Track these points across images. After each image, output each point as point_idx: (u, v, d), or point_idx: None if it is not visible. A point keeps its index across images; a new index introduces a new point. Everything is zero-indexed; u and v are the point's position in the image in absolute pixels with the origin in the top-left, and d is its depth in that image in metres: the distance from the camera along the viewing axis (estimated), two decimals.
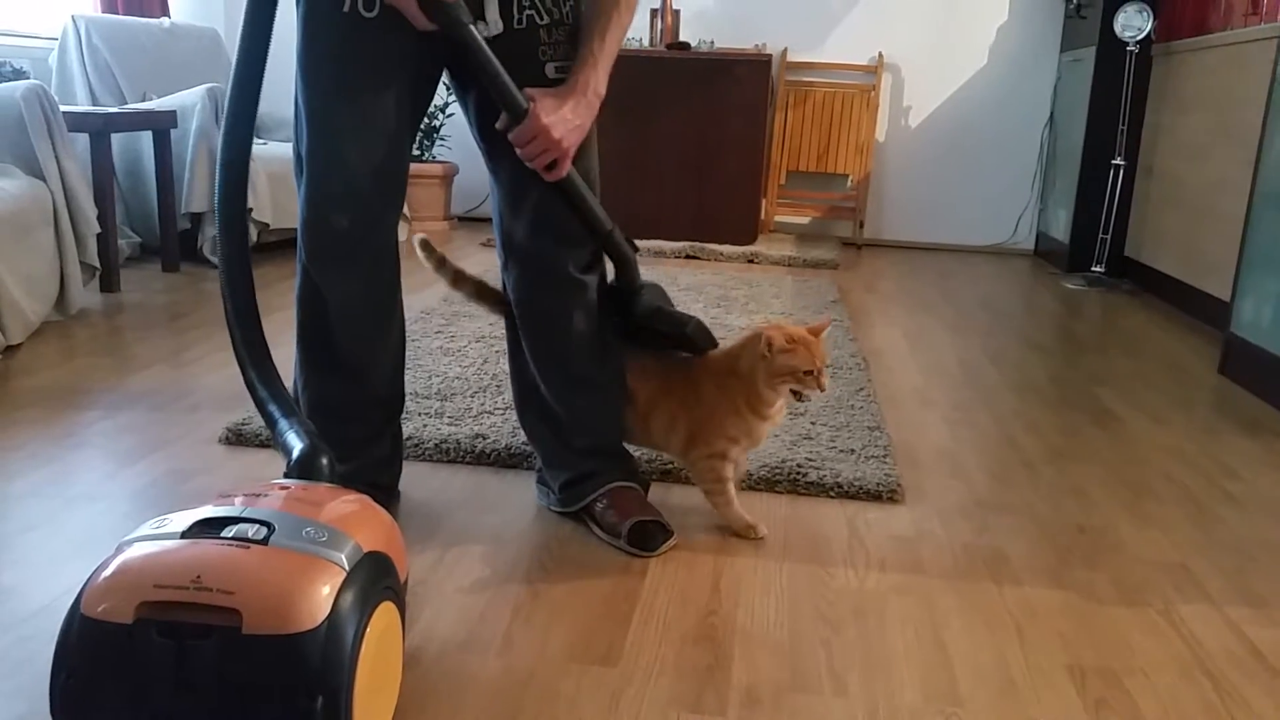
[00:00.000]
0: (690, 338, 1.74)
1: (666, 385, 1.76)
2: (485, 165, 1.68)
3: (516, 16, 1.55)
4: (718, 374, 1.72)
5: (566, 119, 1.49)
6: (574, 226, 1.64)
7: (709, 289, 3.87)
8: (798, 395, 1.67)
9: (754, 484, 1.94)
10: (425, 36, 1.44)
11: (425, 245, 1.81)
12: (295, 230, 1.61)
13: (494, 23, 1.53)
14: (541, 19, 1.56)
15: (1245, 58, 3.68)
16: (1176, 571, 1.71)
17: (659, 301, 1.77)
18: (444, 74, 1.65)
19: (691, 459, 1.75)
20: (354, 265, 1.58)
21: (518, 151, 1.51)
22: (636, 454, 1.86)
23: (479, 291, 1.86)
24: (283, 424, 1.35)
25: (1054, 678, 1.37)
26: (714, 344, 1.77)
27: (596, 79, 1.54)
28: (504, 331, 1.83)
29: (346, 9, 1.47)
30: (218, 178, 1.39)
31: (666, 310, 1.76)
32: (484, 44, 1.44)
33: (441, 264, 1.83)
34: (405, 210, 4.86)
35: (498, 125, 1.52)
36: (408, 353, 1.80)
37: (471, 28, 1.43)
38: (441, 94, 1.54)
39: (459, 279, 1.85)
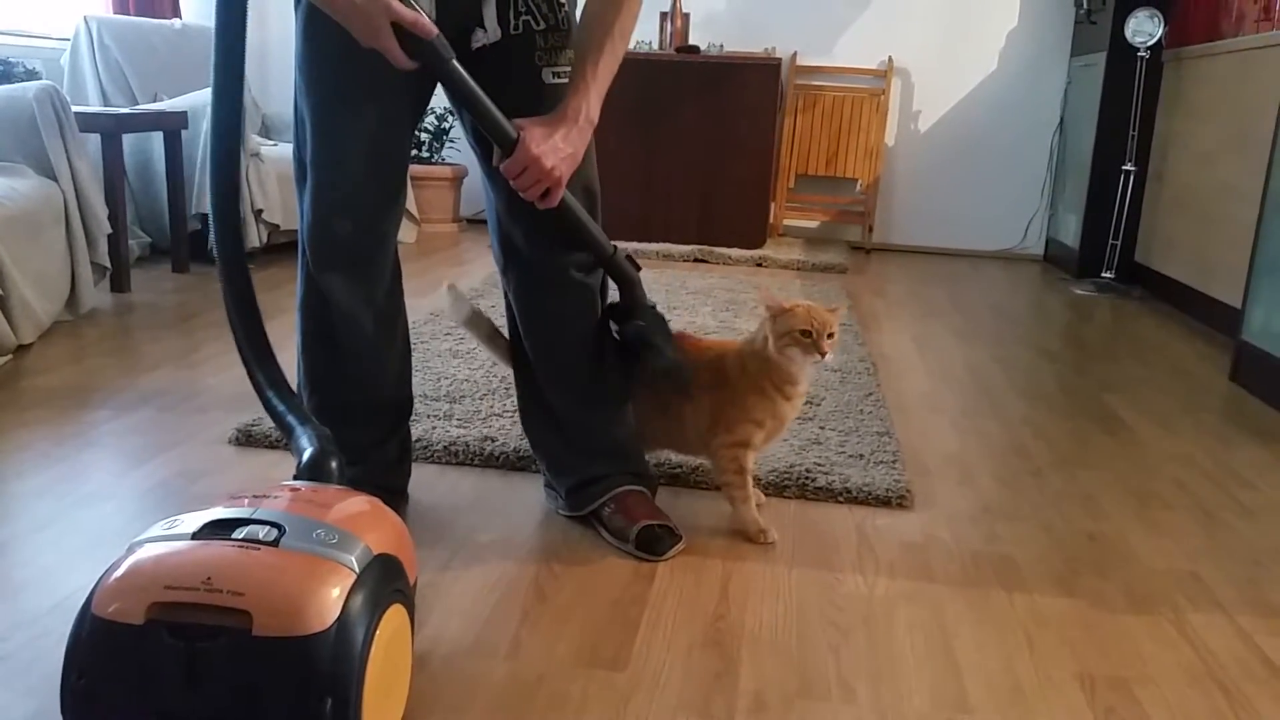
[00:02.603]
0: (665, 374, 1.69)
1: (693, 371, 1.76)
2: (481, 171, 1.68)
3: (513, 23, 1.55)
4: (742, 355, 1.75)
5: (558, 148, 1.47)
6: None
7: (717, 293, 3.86)
8: (806, 349, 1.65)
9: (763, 488, 1.94)
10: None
11: (453, 289, 1.83)
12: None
13: (491, 30, 1.53)
14: (538, 24, 1.56)
15: (1257, 64, 3.67)
16: (1187, 580, 1.70)
17: (655, 330, 1.71)
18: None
19: (714, 447, 1.75)
20: (358, 270, 1.58)
21: (511, 183, 1.48)
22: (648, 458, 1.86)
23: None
24: (293, 425, 1.35)
25: (1063, 686, 1.36)
26: (685, 390, 1.73)
27: (589, 106, 1.51)
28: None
29: None
30: (210, 180, 1.38)
31: (654, 342, 1.69)
32: (468, 78, 1.41)
33: (474, 318, 1.83)
34: (414, 211, 4.88)
35: (494, 162, 1.51)
36: (416, 355, 1.80)
37: (454, 63, 1.39)
38: None
39: (494, 336, 1.88)
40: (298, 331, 1.65)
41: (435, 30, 1.36)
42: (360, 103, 1.50)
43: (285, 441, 1.37)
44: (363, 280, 1.59)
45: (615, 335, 1.73)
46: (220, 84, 1.33)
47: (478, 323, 1.87)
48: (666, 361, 1.67)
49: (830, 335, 1.66)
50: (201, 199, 3.85)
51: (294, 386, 1.66)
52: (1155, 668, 1.42)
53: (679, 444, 1.87)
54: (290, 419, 1.36)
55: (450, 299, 1.84)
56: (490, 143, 1.64)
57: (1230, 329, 3.25)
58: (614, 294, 1.73)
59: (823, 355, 1.64)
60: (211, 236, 1.40)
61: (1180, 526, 1.93)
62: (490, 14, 1.52)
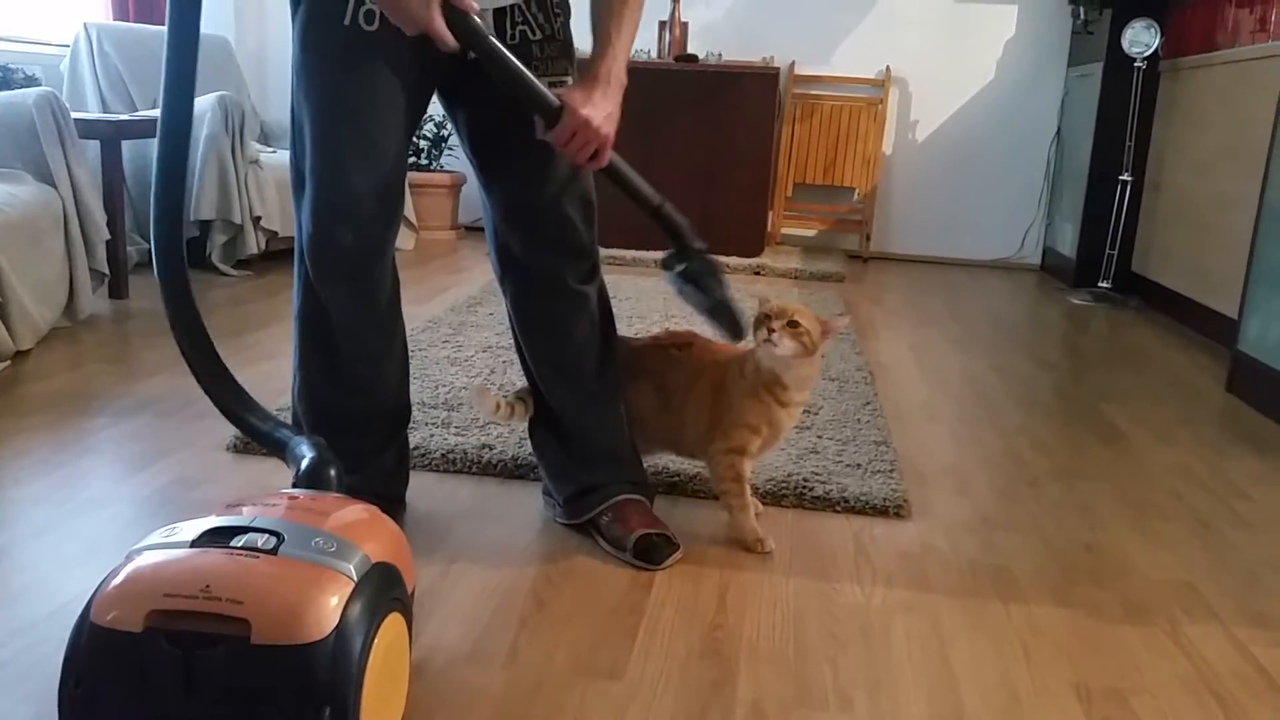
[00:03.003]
0: (714, 314, 1.71)
1: (698, 372, 1.78)
2: (477, 181, 1.69)
3: (510, 32, 1.56)
4: (739, 360, 1.76)
5: (601, 106, 1.50)
6: (571, 238, 1.65)
7: None
8: (758, 325, 1.66)
9: (760, 498, 1.94)
10: (422, 51, 1.44)
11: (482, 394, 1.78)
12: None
13: None
14: (534, 34, 1.58)
15: (1252, 74, 3.68)
16: (1184, 591, 1.70)
17: (706, 272, 1.72)
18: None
19: (711, 453, 1.76)
20: (358, 280, 1.58)
21: (559, 150, 1.51)
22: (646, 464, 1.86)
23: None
24: (286, 438, 1.35)
25: (1060, 696, 1.37)
26: (737, 332, 1.72)
27: (618, 67, 1.54)
28: (511, 341, 1.83)
29: (347, 22, 1.47)
30: (153, 199, 1.32)
31: (705, 284, 1.71)
32: (507, 53, 1.43)
33: (510, 411, 1.79)
34: (412, 218, 4.88)
35: (538, 135, 1.51)
36: (414, 362, 1.81)
37: (493, 39, 1.42)
38: None
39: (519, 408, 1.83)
40: (295, 340, 1.65)
41: (476, 4, 1.38)
42: (359, 111, 1.50)
43: (283, 457, 1.37)
44: (362, 289, 1.59)
45: (671, 280, 1.73)
46: (172, 81, 1.30)
47: (516, 410, 1.82)
48: (715, 301, 1.69)
49: (792, 324, 1.64)
50: (200, 206, 3.85)
51: (291, 395, 1.68)
52: (1151, 678, 1.43)
53: (678, 445, 1.86)
54: (280, 434, 1.36)
55: (478, 403, 1.79)
56: (488, 152, 1.65)
57: (1227, 339, 3.26)
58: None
59: (769, 333, 1.64)
60: (152, 253, 1.36)
61: (1177, 537, 1.93)
62: (488, 25, 1.53)
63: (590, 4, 1.58)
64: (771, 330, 1.64)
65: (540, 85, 1.46)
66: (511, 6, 1.56)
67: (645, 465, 1.85)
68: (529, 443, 1.87)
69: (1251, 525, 2.01)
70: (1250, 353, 2.90)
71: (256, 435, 1.38)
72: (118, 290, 3.43)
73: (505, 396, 1.79)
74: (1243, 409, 2.86)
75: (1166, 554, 1.85)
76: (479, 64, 1.49)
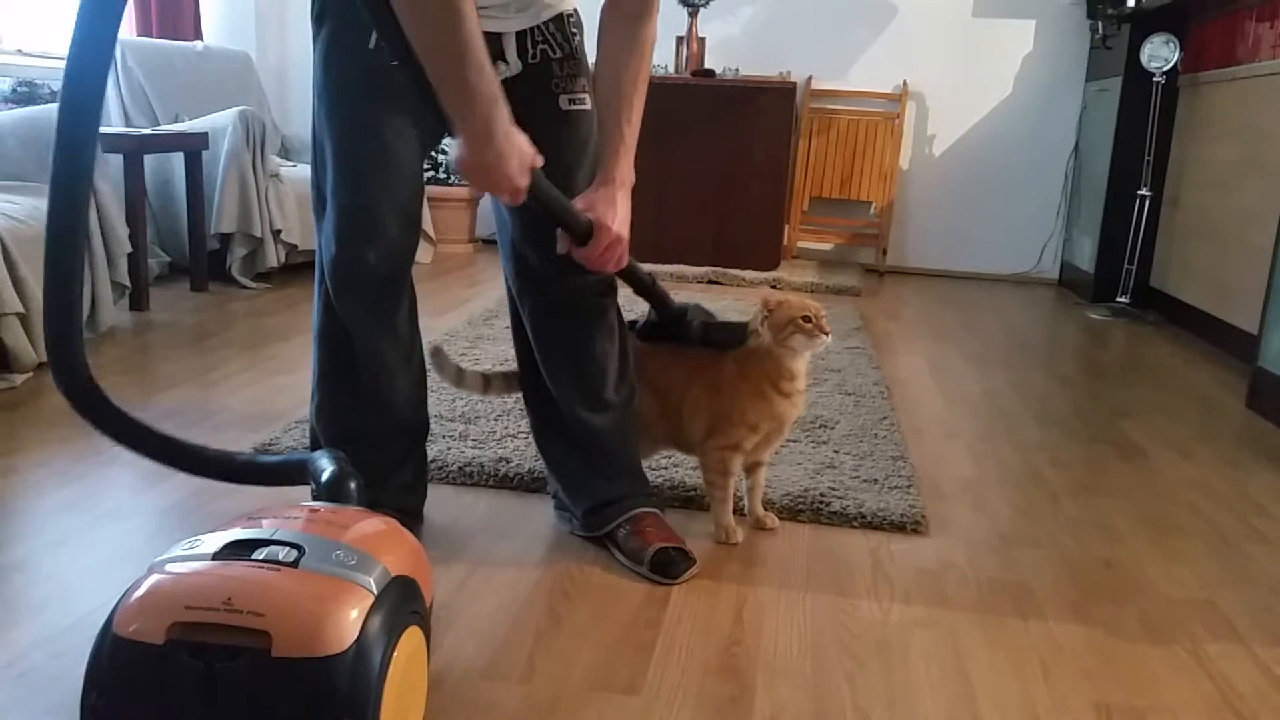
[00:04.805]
0: (737, 340, 1.81)
1: (692, 372, 1.82)
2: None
3: (531, 52, 1.59)
4: (737, 358, 1.79)
5: (622, 212, 1.57)
6: None
7: (730, 314, 3.86)
8: (810, 333, 1.71)
9: (776, 513, 1.94)
10: None
11: (437, 354, 1.91)
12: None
13: (513, 62, 1.58)
14: (554, 53, 1.60)
15: (1273, 89, 3.67)
16: (1204, 609, 1.69)
17: (704, 318, 1.86)
18: None
19: (706, 448, 1.81)
20: (378, 298, 1.60)
21: (587, 264, 1.57)
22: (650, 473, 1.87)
23: (508, 383, 1.96)
24: (300, 460, 1.35)
25: (1079, 715, 1.36)
26: (743, 338, 1.81)
27: (629, 167, 1.60)
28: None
29: (371, 46, 1.49)
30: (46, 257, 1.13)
31: (717, 324, 1.86)
32: (550, 186, 1.47)
33: (460, 376, 1.95)
34: (430, 231, 4.91)
35: (560, 250, 1.57)
36: (431, 375, 1.82)
37: (545, 179, 1.46)
38: None
39: (489, 383, 1.97)
40: (315, 358, 1.66)
41: (540, 159, 1.43)
42: (380, 133, 1.52)
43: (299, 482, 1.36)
44: (382, 308, 1.60)
45: (677, 338, 1.84)
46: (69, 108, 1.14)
47: (468, 379, 1.96)
48: (739, 333, 1.79)
49: (822, 318, 1.72)
50: (220, 219, 3.88)
51: (309, 410, 1.69)
52: (1172, 698, 1.41)
53: (680, 443, 1.90)
54: (290, 461, 1.35)
55: (435, 364, 1.90)
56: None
57: (1247, 355, 3.23)
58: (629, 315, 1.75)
59: (827, 334, 1.71)
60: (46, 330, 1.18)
61: (1197, 554, 1.91)
62: (510, 47, 1.56)
63: (597, 79, 1.61)
64: (827, 332, 1.71)
65: (573, 208, 1.52)
66: (533, 27, 1.58)
67: (652, 475, 1.87)
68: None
69: (1272, 542, 1.99)
70: (1270, 369, 2.88)
71: (266, 473, 1.37)
72: (139, 303, 3.46)
73: (481, 370, 1.90)
74: (1263, 425, 2.83)
75: (1186, 571, 1.83)
76: (503, 86, 1.49)
